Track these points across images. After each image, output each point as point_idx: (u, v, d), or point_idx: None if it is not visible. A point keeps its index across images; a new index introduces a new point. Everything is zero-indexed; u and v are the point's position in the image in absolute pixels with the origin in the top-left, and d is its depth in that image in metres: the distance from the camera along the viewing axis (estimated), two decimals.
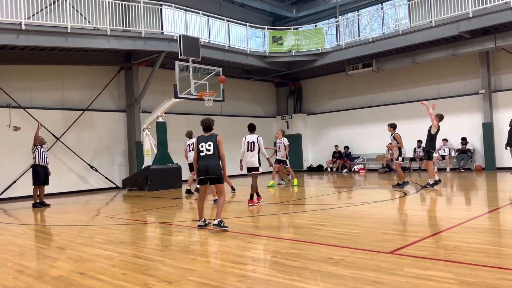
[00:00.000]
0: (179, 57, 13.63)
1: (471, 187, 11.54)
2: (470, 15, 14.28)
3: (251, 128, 9.57)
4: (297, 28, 19.63)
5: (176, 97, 13.65)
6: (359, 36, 19.11)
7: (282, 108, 23.14)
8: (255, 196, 9.28)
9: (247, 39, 18.40)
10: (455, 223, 6.07)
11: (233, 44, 18.07)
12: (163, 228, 7.11)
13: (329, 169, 20.49)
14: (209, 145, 6.46)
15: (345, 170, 19.45)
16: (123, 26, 14.66)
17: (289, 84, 22.49)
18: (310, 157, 21.91)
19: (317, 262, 4.38)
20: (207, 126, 6.64)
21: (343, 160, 19.88)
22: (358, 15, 20.17)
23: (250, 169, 9.23)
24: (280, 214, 7.96)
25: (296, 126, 21.80)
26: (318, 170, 21.10)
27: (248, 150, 9.24)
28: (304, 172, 21.16)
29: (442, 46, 16.02)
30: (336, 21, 19.82)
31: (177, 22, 16.02)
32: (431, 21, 15.30)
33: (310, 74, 21.24)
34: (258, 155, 9.24)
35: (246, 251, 5.03)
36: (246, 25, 18.28)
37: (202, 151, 6.48)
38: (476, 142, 16.58)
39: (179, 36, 13.74)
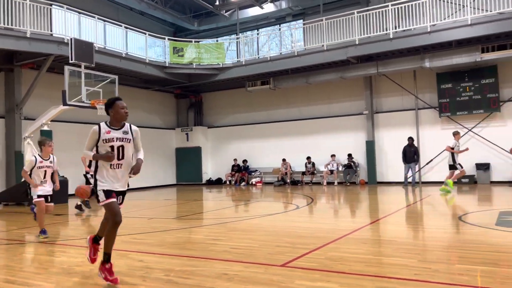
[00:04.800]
0: (70, 61, 12.69)
1: (355, 200, 12.51)
2: (357, 42, 15.70)
3: None
4: (198, 41, 19.64)
5: (64, 104, 12.65)
6: (258, 54, 19.76)
7: (182, 120, 22.81)
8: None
9: (146, 47, 17.85)
10: (342, 235, 6.49)
11: (131, 52, 17.39)
12: (43, 248, 6.43)
13: (228, 182, 20.66)
14: None
15: (243, 183, 19.77)
16: (4, 24, 13.19)
17: (189, 96, 22.30)
18: (209, 170, 21.89)
19: (211, 279, 4.32)
20: None
21: (242, 173, 20.21)
22: (258, 34, 20.90)
23: None
24: (176, 230, 7.73)
25: (196, 138, 21.65)
26: (217, 183, 21.14)
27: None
28: (203, 185, 21.03)
29: (333, 69, 17.30)
30: (236, 38, 20.28)
31: (69, 25, 14.91)
32: (323, 45, 16.47)
33: (211, 87, 21.33)
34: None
35: (137, 271, 4.76)
36: (145, 34, 17.74)
37: None
38: (360, 158, 18.10)
39: (71, 39, 12.80)
